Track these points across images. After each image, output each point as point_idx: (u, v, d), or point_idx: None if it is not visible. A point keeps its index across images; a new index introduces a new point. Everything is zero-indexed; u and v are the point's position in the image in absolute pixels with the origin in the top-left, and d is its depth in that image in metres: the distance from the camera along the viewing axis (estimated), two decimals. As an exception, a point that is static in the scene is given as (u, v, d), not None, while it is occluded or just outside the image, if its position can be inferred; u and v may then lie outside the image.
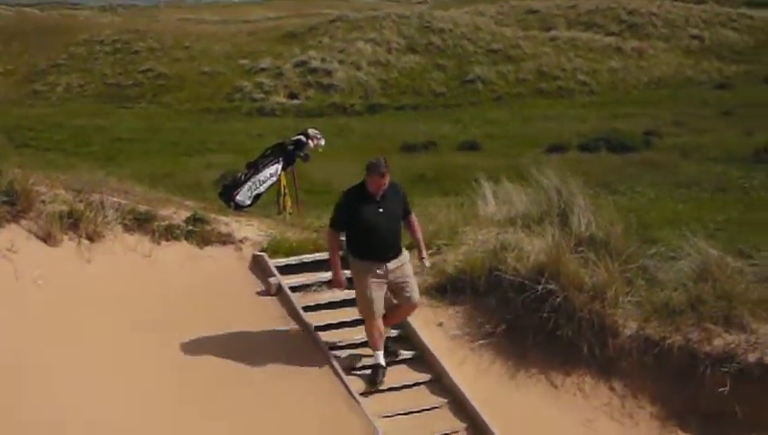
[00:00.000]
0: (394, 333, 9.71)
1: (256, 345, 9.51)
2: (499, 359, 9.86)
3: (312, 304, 10.14)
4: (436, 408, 9.25)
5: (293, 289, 10.24)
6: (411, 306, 9.35)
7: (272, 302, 10.11)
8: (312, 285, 10.36)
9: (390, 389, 9.34)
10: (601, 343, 9.68)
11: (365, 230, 8.90)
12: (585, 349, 9.69)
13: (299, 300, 10.10)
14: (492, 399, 9.24)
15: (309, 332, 9.72)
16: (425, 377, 9.53)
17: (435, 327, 10.14)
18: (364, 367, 9.39)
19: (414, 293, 9.23)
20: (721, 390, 9.13)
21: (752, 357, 9.22)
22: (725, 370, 9.19)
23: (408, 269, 9.18)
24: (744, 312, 9.60)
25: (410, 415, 9.15)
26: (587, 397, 9.67)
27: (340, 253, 9.21)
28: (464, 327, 10.15)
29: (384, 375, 9.23)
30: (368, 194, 8.93)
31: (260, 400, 8.93)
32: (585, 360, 9.74)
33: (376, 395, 9.26)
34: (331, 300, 10.20)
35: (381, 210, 8.91)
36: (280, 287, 10.20)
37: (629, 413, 9.48)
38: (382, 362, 9.21)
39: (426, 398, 9.35)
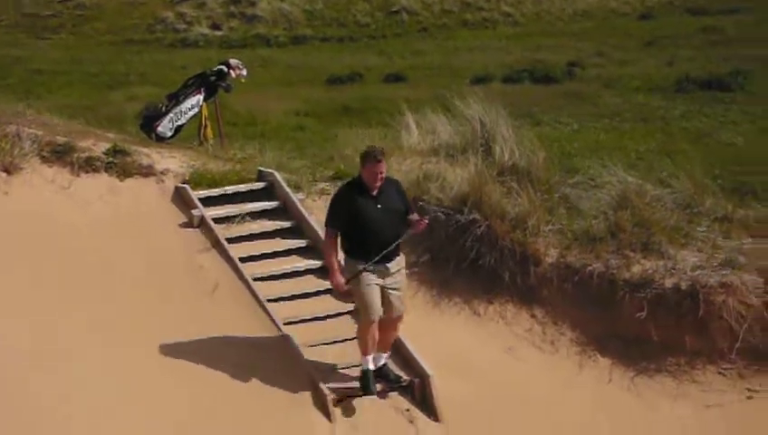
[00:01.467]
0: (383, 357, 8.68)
1: (179, 275, 9.47)
2: (422, 288, 9.94)
3: (236, 235, 10.10)
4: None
5: (216, 221, 10.18)
6: (398, 319, 8.52)
7: (195, 234, 10.04)
8: (235, 216, 10.31)
9: (315, 318, 9.38)
10: (523, 271, 9.81)
11: (363, 228, 8.16)
12: (507, 277, 9.81)
13: (222, 232, 10.05)
14: (415, 326, 9.30)
15: (232, 263, 9.68)
16: (350, 307, 9.54)
17: (360, 258, 10.18)
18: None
19: (403, 305, 8.49)
20: (639, 315, 9.32)
21: (668, 283, 9.41)
22: (643, 295, 9.37)
23: (404, 276, 8.52)
24: (661, 239, 9.78)
25: (333, 344, 9.19)
26: (509, 324, 9.81)
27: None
28: (387, 257, 10.21)
29: (374, 379, 8.49)
30: (364, 189, 8.19)
31: (183, 326, 8.94)
32: (507, 288, 9.87)
33: (303, 324, 9.29)
34: (256, 231, 10.19)
35: (380, 207, 8.18)
36: (203, 219, 10.12)
37: (550, 340, 9.65)
38: (371, 365, 8.45)
39: (350, 327, 9.38)
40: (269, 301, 9.37)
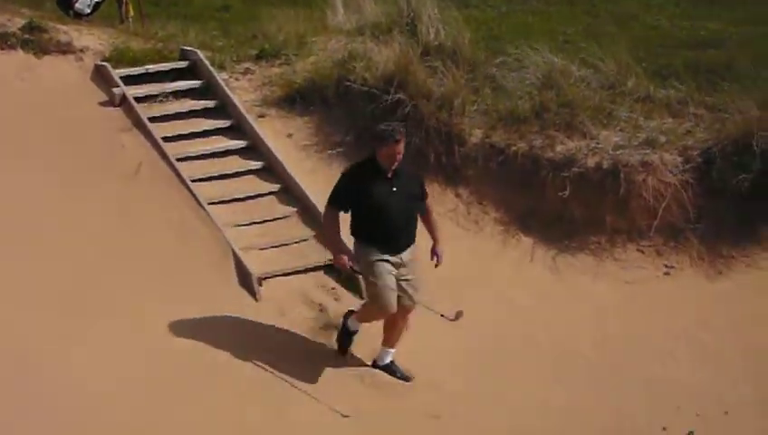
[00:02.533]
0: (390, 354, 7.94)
1: (100, 155, 9.32)
2: (349, 168, 9.92)
3: (158, 114, 9.93)
4: (286, 217, 9.29)
5: (138, 100, 9.99)
6: (410, 310, 7.69)
7: (116, 113, 9.84)
8: (157, 95, 10.12)
9: (238, 199, 9.33)
10: (448, 151, 9.83)
11: (376, 214, 7.34)
12: (432, 157, 9.82)
13: (144, 111, 9.87)
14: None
15: (155, 143, 9.54)
16: (274, 187, 9.53)
17: (284, 138, 10.11)
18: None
19: (417, 294, 7.63)
20: (561, 194, 9.43)
21: (591, 162, 9.52)
22: (566, 175, 9.47)
23: (418, 264, 7.67)
24: (585, 118, 9.85)
25: (260, 224, 9.18)
26: (434, 204, 9.83)
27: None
28: (313, 137, 10.15)
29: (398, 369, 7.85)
30: (379, 170, 7.33)
31: (106, 205, 8.85)
32: (432, 168, 9.88)
33: (226, 204, 9.24)
34: (179, 110, 10.04)
35: (395, 190, 7.34)
36: (124, 98, 9.92)
37: (475, 219, 9.73)
38: (357, 327, 7.87)
39: (275, 207, 9.38)
40: (192, 181, 9.28)
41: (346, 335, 7.89)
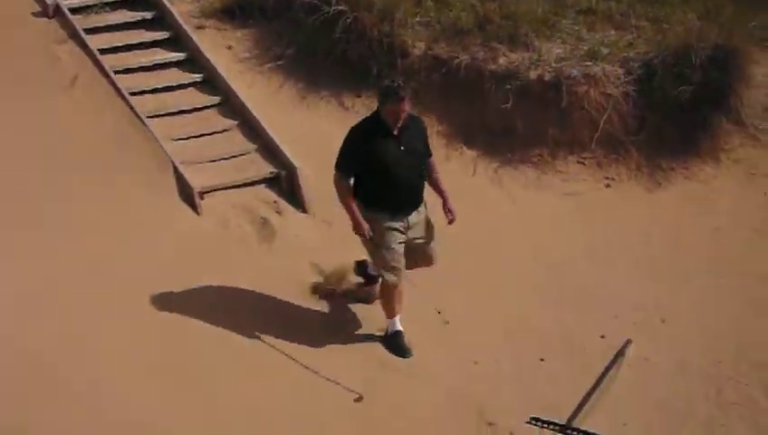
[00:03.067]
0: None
1: (35, 67, 9.13)
2: (289, 81, 9.81)
3: (94, 26, 9.72)
4: (226, 130, 9.19)
5: (73, 11, 9.75)
6: (429, 266, 7.34)
7: (50, 24, 9.61)
8: (93, 6, 9.89)
9: (179, 112, 9.21)
10: (391, 63, 9.72)
11: (383, 174, 6.85)
12: (375, 70, 9.73)
13: (79, 22, 9.64)
14: (282, 120, 9.25)
15: (92, 55, 9.34)
16: (214, 100, 9.41)
17: (223, 50, 9.96)
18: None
19: (434, 253, 7.26)
20: (504, 106, 9.42)
21: (533, 74, 9.49)
22: (509, 87, 9.44)
23: (430, 224, 7.23)
24: (528, 30, 9.79)
25: (200, 138, 9.08)
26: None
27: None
28: (253, 50, 10.01)
29: (405, 340, 7.36)
30: (384, 127, 6.87)
31: (41, 118, 8.68)
32: (375, 81, 9.79)
33: (164, 118, 9.12)
34: (116, 22, 9.83)
35: (403, 148, 6.88)
36: (58, 8, 9.68)
37: (417, 132, 9.69)
38: (399, 327, 7.32)
39: (216, 120, 9.27)
40: (131, 94, 9.13)
41: (394, 342, 7.30)
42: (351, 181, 6.98)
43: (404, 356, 7.21)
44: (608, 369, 7.06)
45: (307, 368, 6.90)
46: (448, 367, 7.13)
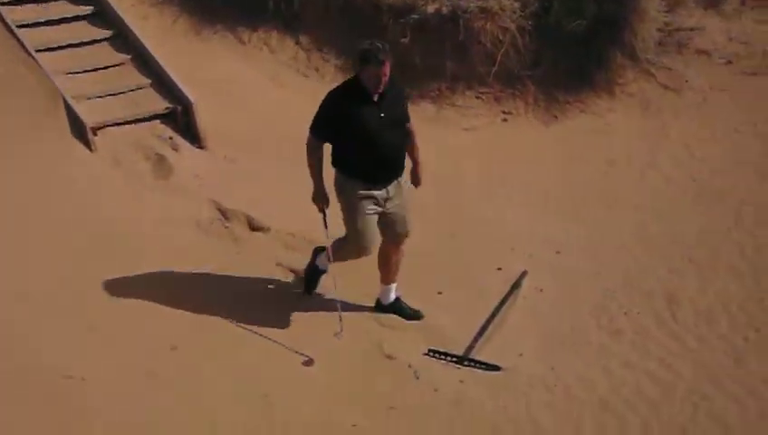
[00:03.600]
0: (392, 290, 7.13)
1: None
2: (183, 15, 9.64)
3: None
4: (119, 65, 8.98)
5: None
6: (402, 239, 6.90)
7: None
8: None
9: (69, 45, 8.95)
10: (287, -3, 9.63)
11: (362, 142, 6.43)
12: (271, 4, 9.62)
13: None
14: (176, 54, 9.07)
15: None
16: (107, 33, 9.17)
17: (115, -18, 9.68)
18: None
19: (408, 224, 6.82)
20: (402, 40, 9.37)
21: (431, 8, 9.46)
22: (406, 21, 9.40)
23: (408, 195, 6.79)
24: (425, -36, 9.75)
25: (92, 72, 8.85)
26: (274, 52, 9.69)
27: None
28: (145, -18, 9.78)
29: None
30: (364, 93, 6.39)
31: None
32: (272, 15, 9.70)
33: (55, 51, 8.86)
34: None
35: (383, 115, 6.41)
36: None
37: (315, 66, 9.62)
38: (325, 267, 7.04)
39: (108, 55, 9.04)
40: (18, 27, 8.86)
41: (314, 274, 7.13)
42: (324, 146, 6.52)
43: (306, 292, 7.12)
44: (504, 301, 7.15)
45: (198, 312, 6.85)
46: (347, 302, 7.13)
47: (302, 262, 7.37)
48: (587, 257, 7.69)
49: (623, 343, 6.70)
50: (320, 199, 6.57)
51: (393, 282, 7.06)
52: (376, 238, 6.73)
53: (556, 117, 9.47)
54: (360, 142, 6.44)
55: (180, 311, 6.75)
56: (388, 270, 7.01)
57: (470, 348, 6.74)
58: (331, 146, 6.53)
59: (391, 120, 6.45)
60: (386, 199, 6.61)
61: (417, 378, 6.43)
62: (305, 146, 6.50)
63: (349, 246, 6.75)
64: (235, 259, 7.42)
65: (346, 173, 6.57)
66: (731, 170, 8.69)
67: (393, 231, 6.78)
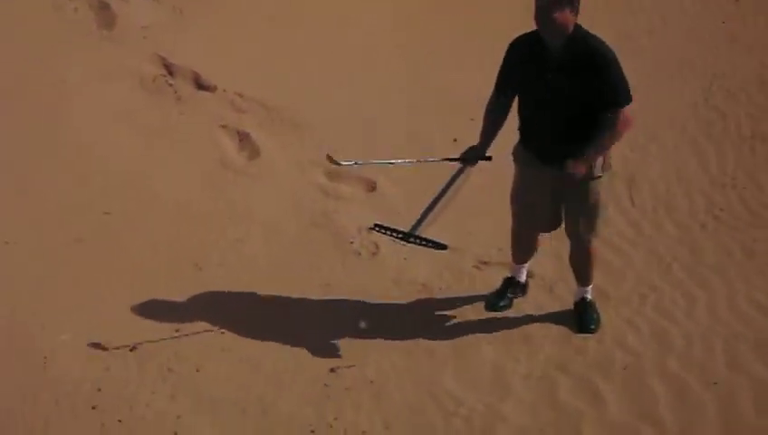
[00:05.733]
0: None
1: None
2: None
3: None
4: None
5: None
6: (577, 247, 5.61)
7: None
8: None
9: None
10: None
11: (524, 108, 5.35)
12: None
13: None
14: None
15: None
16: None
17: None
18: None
19: (582, 226, 5.47)
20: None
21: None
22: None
23: (588, 192, 5.36)
24: None
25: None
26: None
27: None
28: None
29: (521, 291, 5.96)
30: (542, 51, 5.14)
31: None
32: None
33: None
34: None
35: (550, 86, 5.13)
36: None
37: None
38: (510, 273, 5.94)
39: None
40: None
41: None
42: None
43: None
44: (455, 176, 6.84)
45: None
46: (294, 177, 6.83)
47: (250, 124, 7.07)
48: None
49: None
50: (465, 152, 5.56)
51: (579, 283, 5.79)
52: (531, 215, 5.62)
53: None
54: (523, 108, 5.35)
55: (112, 177, 6.47)
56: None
57: (417, 224, 6.45)
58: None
59: (559, 96, 5.12)
60: (549, 179, 5.37)
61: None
62: None
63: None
64: (178, 120, 7.08)
65: (520, 135, 5.49)
66: (705, 41, 8.29)
67: (567, 225, 5.59)
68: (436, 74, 7.94)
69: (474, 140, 5.53)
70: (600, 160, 5.28)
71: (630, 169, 6.94)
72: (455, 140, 7.21)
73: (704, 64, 8.04)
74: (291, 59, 7.73)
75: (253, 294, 5.88)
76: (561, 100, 5.14)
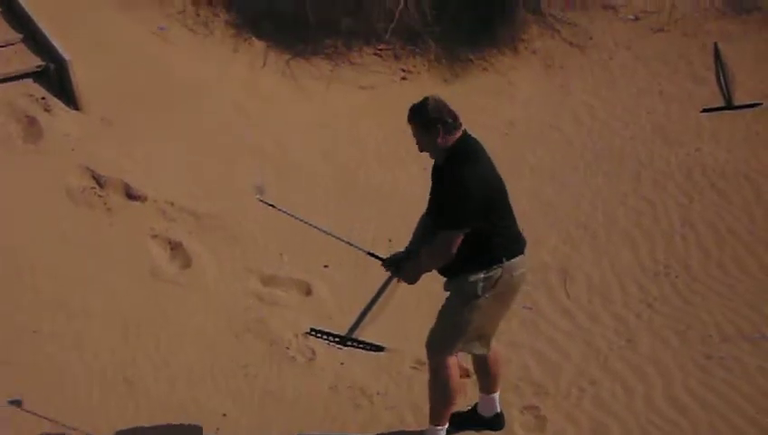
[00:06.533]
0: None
1: None
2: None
3: None
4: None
5: None
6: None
7: None
8: None
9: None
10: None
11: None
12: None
13: None
14: (50, 7, 8.46)
15: None
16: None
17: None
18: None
19: (429, 336, 5.30)
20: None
21: (322, -41, 9.02)
22: (297, -28, 8.96)
23: (446, 301, 5.23)
24: None
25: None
26: (162, 5, 9.15)
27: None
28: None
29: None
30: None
31: None
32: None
33: None
34: None
35: (430, 195, 5.22)
36: None
37: (204, 22, 9.12)
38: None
39: None
40: None
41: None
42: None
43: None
44: (391, 277, 6.80)
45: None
46: (227, 284, 6.74)
47: (181, 233, 7.00)
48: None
49: (511, 320, 6.36)
50: None
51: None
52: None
53: (458, 75, 9.16)
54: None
55: (42, 294, 6.35)
56: None
57: (355, 327, 6.41)
58: None
59: (431, 205, 5.20)
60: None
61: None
62: None
63: None
64: (108, 232, 6.98)
65: None
66: (632, 132, 8.44)
67: None
68: (369, 171, 7.96)
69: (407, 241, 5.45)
70: (465, 280, 5.02)
71: (563, 260, 6.96)
72: (390, 241, 7.21)
73: (632, 153, 8.16)
74: (220, 166, 7.71)
75: (187, 407, 5.73)
76: (432, 209, 5.18)
